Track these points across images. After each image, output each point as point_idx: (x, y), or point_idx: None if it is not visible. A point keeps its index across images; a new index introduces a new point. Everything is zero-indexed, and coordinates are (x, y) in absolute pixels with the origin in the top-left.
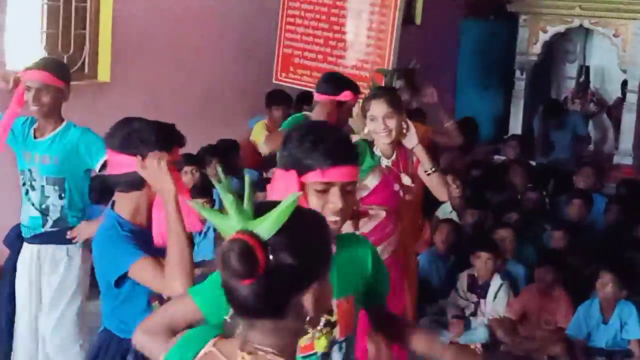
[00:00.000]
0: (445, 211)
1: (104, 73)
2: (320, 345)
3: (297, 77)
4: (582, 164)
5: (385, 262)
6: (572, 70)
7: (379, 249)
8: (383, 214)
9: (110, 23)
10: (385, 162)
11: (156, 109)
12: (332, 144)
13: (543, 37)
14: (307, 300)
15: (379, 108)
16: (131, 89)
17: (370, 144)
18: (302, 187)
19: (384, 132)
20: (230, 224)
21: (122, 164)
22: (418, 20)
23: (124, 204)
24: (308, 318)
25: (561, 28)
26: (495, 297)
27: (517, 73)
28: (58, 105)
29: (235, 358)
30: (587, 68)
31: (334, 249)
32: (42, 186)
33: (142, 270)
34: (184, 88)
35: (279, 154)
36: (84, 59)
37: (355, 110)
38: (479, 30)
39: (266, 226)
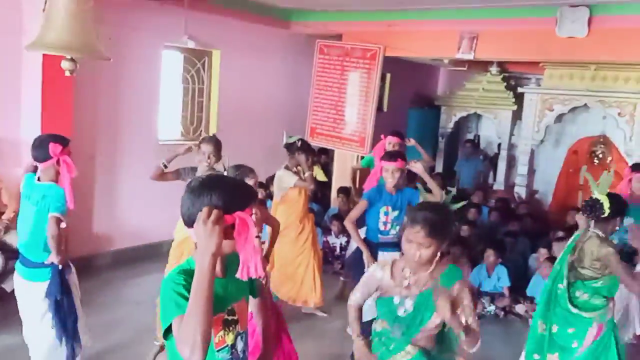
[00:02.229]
0: None
1: None
2: (230, 339)
3: (318, 140)
4: (476, 189)
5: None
6: (470, 136)
7: None
8: None
9: (217, 109)
10: None
11: (240, 160)
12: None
13: (454, 119)
14: None
15: None
16: (226, 144)
17: None
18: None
19: None
20: None
21: None
22: (385, 109)
23: None
24: None
25: (464, 113)
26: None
27: (440, 139)
28: None
29: None
30: (479, 136)
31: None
32: None
33: None
34: (255, 146)
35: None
36: (202, 128)
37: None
38: (418, 115)
39: None
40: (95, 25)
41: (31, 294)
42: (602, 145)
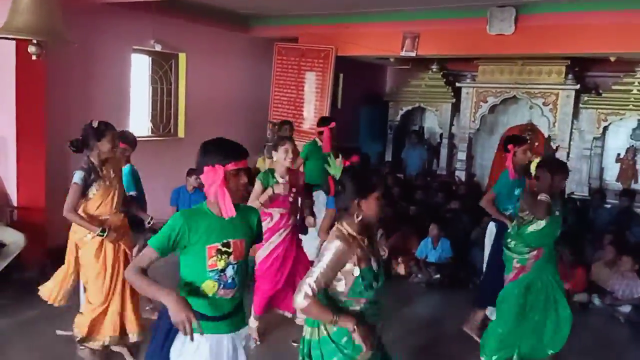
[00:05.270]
0: None
1: (181, 133)
2: (221, 265)
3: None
4: (421, 174)
5: (286, 238)
6: (415, 128)
7: (280, 232)
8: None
9: (184, 108)
10: (282, 181)
11: None
12: (237, 148)
13: (401, 112)
14: (365, 205)
15: (289, 147)
16: (194, 140)
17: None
18: (225, 174)
19: (288, 160)
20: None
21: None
22: (339, 105)
23: None
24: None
25: (410, 107)
26: (379, 238)
27: (389, 131)
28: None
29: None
30: (423, 127)
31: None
32: None
33: None
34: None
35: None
36: (171, 126)
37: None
38: (369, 111)
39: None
40: (60, 11)
41: None
42: (529, 132)
